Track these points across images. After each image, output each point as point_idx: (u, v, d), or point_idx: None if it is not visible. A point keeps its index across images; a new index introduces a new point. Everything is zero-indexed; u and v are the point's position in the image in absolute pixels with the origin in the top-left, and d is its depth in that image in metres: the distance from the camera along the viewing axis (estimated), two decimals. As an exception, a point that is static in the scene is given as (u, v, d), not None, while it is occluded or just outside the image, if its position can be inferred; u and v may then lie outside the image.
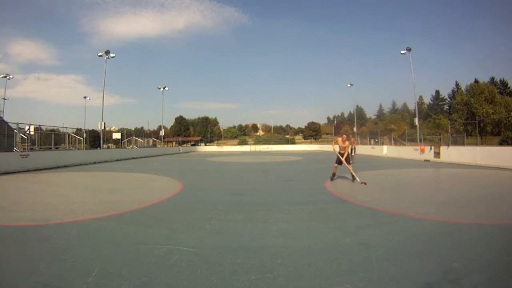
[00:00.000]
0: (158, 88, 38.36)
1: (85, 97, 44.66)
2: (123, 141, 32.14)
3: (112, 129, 53.58)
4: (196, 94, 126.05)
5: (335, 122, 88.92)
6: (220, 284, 2.32)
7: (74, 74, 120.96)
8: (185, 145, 51.87)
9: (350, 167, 8.26)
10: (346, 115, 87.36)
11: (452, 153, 16.02)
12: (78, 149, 21.27)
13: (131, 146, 32.52)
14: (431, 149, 17.86)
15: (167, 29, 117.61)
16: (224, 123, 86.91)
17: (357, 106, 64.04)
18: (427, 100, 61.16)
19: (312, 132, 74.85)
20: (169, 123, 77.75)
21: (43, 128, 21.06)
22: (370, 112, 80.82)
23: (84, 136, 23.06)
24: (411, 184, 8.55)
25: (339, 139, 8.49)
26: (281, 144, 57.35)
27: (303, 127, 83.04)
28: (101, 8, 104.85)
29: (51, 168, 13.66)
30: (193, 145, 53.96)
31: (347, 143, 8.44)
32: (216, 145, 59.49)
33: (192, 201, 5.98)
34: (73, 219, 4.34)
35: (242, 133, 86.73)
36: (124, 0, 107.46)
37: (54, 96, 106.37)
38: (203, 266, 2.65)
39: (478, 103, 40.93)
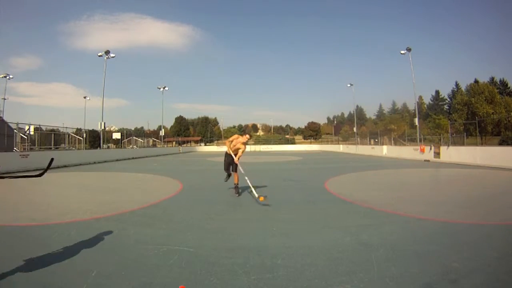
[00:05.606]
0: (158, 88, 38.45)
1: (85, 97, 44.82)
2: (123, 141, 32.11)
3: (112, 129, 53.66)
4: (196, 94, 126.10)
5: (335, 122, 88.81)
6: (220, 284, 2.32)
7: (71, 82, 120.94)
8: (185, 145, 51.83)
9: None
10: (346, 115, 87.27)
11: (452, 153, 16.01)
12: (78, 149, 21.26)
13: (131, 146, 32.54)
14: (431, 149, 17.86)
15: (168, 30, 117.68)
16: (224, 123, 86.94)
17: (357, 106, 63.89)
18: (427, 100, 61.27)
19: (312, 132, 74.82)
20: (169, 123, 77.60)
21: (43, 128, 21.06)
22: (370, 112, 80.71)
23: (84, 136, 23.07)
24: (411, 184, 8.55)
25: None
26: (281, 144, 57.33)
27: (303, 127, 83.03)
28: (92, 21, 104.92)
29: (51, 168, 13.61)
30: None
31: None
32: (216, 145, 59.34)
33: (192, 201, 5.98)
34: (73, 219, 4.34)
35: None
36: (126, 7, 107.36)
37: (53, 101, 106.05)
38: (203, 266, 2.65)
39: (478, 103, 40.94)
